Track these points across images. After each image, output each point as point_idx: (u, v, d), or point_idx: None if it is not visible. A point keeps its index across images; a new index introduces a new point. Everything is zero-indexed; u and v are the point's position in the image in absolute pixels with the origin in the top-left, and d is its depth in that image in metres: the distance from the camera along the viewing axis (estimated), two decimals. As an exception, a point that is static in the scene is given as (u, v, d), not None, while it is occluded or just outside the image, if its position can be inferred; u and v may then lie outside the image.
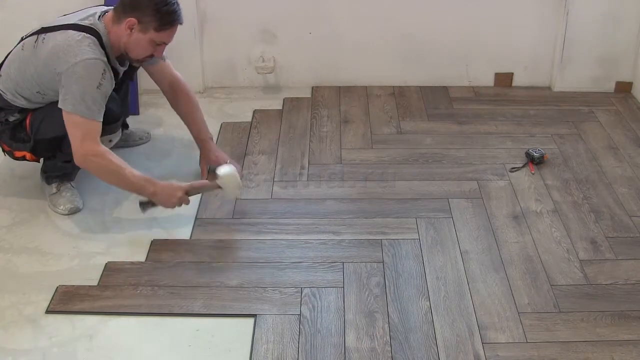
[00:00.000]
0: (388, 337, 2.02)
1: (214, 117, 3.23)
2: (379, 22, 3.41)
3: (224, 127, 3.17)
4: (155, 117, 3.18)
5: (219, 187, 2.48)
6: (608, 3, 3.29)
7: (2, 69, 2.47)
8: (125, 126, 2.83)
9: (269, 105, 3.38)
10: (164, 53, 2.53)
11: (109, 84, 2.35)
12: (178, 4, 2.38)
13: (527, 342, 2.01)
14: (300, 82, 3.54)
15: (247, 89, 3.53)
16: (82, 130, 2.30)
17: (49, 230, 2.49)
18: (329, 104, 3.38)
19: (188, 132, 2.78)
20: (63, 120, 2.32)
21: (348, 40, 3.45)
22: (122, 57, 2.46)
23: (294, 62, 3.51)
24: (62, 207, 2.56)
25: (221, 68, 3.51)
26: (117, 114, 2.48)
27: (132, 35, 2.34)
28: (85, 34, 2.31)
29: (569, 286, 2.22)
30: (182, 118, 2.78)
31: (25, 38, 2.45)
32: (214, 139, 2.89)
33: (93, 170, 2.38)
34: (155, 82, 2.74)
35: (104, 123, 2.35)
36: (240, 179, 2.53)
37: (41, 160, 2.60)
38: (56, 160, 2.55)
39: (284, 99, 3.43)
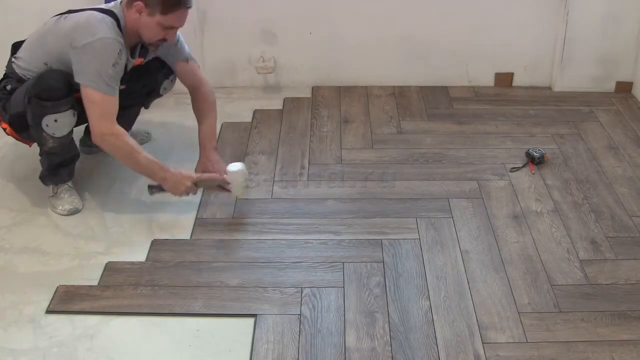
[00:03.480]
0: (388, 337, 2.02)
1: (214, 117, 3.23)
2: (379, 22, 3.41)
3: (224, 127, 3.17)
4: (156, 117, 3.18)
5: (227, 182, 2.51)
6: (608, 3, 3.29)
7: (24, 43, 2.54)
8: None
9: (269, 105, 3.38)
10: (188, 53, 2.65)
11: (123, 66, 2.40)
12: None
13: (527, 342, 2.01)
14: (301, 82, 3.54)
15: (248, 89, 3.53)
16: (100, 108, 2.35)
17: (49, 230, 2.49)
18: (329, 104, 3.38)
19: (188, 132, 2.79)
20: (21, 94, 2.38)
21: (348, 40, 3.45)
22: (135, 47, 2.50)
23: (294, 62, 3.51)
24: (60, 207, 2.57)
25: (221, 68, 3.51)
26: (58, 92, 2.40)
27: (141, 19, 2.38)
28: (105, 15, 2.37)
29: (569, 286, 2.22)
30: (197, 120, 2.74)
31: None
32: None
33: (108, 149, 2.43)
34: (180, 80, 2.74)
35: (45, 99, 2.36)
36: (247, 180, 2.56)
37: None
38: (41, 158, 2.57)
39: (284, 99, 3.43)
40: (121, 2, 2.44)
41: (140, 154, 2.42)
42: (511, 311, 2.12)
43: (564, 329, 2.06)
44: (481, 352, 1.97)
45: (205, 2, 3.33)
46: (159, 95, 2.82)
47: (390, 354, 1.97)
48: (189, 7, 2.41)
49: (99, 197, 2.66)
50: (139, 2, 2.35)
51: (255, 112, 3.30)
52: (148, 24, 2.38)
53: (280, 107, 3.36)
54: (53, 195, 2.59)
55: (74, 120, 2.46)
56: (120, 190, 2.70)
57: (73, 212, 2.56)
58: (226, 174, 2.51)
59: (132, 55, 2.51)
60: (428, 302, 2.15)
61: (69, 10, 2.46)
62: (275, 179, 2.78)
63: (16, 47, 2.57)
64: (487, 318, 2.09)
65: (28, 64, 2.46)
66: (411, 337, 2.02)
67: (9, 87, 2.48)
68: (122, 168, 2.82)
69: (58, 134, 2.42)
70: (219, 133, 3.10)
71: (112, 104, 2.37)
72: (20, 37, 2.58)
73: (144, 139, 3.01)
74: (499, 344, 2.00)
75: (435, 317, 2.09)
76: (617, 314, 2.11)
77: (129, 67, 2.51)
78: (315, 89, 3.53)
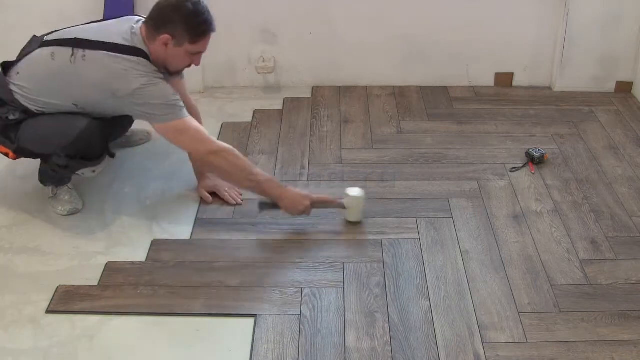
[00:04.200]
0: (388, 337, 2.02)
1: (214, 117, 3.23)
2: (379, 22, 3.41)
3: (224, 127, 3.17)
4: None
5: (344, 206, 2.47)
6: (608, 3, 3.29)
7: (19, 66, 2.40)
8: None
9: (269, 105, 3.38)
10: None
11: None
12: (208, 12, 2.35)
13: (527, 342, 2.01)
14: (301, 82, 3.55)
15: (248, 89, 3.54)
16: (193, 132, 2.36)
17: (49, 230, 2.49)
18: (329, 104, 3.38)
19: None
20: (51, 142, 2.34)
21: (348, 40, 3.45)
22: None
23: (294, 62, 3.51)
24: (60, 208, 2.56)
25: (221, 68, 3.51)
26: (98, 150, 2.44)
27: (168, 51, 2.33)
28: (136, 57, 2.30)
29: (569, 286, 2.22)
30: None
31: (47, 40, 2.39)
32: (215, 139, 2.88)
33: (224, 167, 2.38)
34: None
35: (86, 158, 2.39)
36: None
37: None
38: (46, 168, 2.53)
39: (284, 99, 3.43)
40: (140, 31, 2.35)
41: (257, 169, 2.40)
42: (511, 311, 2.12)
43: (564, 329, 2.06)
44: (481, 352, 1.97)
45: (206, 1, 3.31)
46: None
47: (390, 354, 1.97)
48: (214, 32, 2.40)
49: (99, 197, 2.66)
50: (165, 35, 2.30)
51: (255, 112, 3.30)
52: (176, 54, 2.35)
53: (280, 107, 3.36)
54: (53, 196, 2.58)
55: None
56: (120, 189, 2.70)
57: (73, 213, 2.56)
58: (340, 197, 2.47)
59: None
60: (428, 302, 2.15)
61: (77, 40, 2.31)
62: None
63: (6, 67, 2.42)
64: (487, 318, 2.09)
65: (39, 95, 2.35)
66: (411, 337, 2.02)
67: (12, 117, 2.38)
68: (121, 167, 2.83)
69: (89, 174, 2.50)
70: (219, 133, 3.10)
71: (195, 124, 2.38)
72: (20, 37, 2.55)
73: (143, 138, 3.01)
74: (499, 344, 2.00)
75: (435, 317, 2.09)
76: (617, 314, 2.11)
77: None
78: (315, 89, 3.53)
